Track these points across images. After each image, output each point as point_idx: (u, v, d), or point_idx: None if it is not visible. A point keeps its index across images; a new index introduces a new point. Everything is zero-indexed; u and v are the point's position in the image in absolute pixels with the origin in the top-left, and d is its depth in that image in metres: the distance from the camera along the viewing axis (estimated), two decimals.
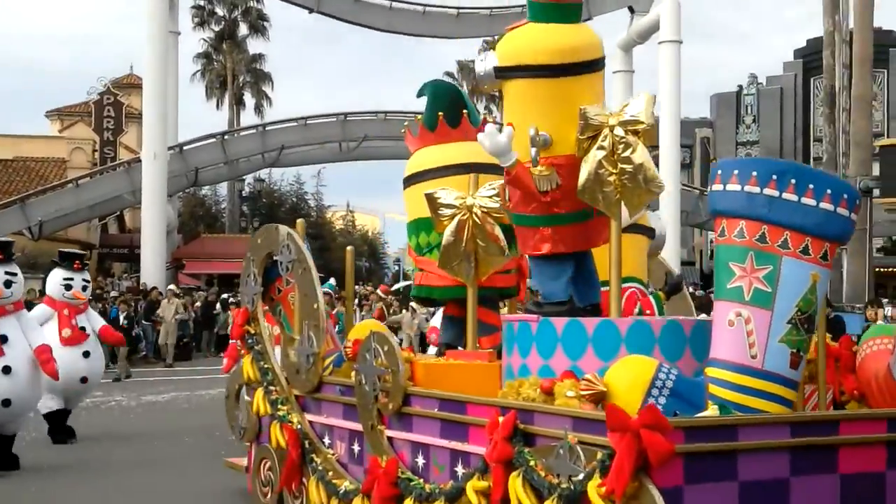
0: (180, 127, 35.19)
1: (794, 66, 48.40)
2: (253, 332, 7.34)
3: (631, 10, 38.54)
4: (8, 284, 10.64)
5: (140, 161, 32.31)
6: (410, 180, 7.16)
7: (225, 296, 28.49)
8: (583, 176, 5.41)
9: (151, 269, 31.06)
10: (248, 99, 52.59)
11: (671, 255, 33.81)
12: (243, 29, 51.33)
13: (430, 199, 6.40)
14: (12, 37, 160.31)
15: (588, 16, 41.83)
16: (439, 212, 6.37)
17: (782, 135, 47.06)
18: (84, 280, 12.92)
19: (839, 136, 26.26)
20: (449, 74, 63.69)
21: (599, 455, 4.24)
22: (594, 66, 5.85)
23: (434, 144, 7.22)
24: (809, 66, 45.62)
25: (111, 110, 42.97)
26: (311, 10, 35.58)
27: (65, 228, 35.30)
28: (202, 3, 50.38)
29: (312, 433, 6.77)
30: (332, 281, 18.73)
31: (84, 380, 12.49)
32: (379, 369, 5.81)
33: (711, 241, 38.06)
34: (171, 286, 29.79)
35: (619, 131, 5.36)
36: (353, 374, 6.20)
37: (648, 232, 7.81)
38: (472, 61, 61.38)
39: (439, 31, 38.97)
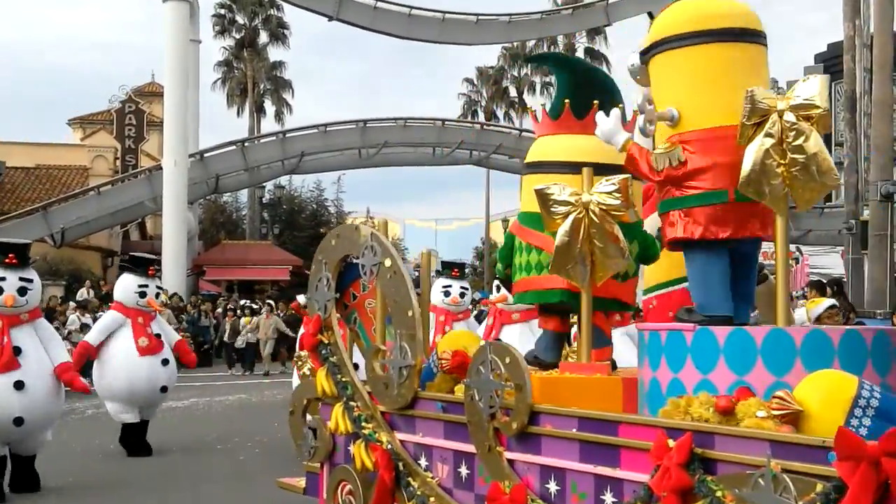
0: (201, 134, 35.42)
1: (814, 70, 48.13)
2: (327, 341, 6.62)
3: (650, 15, 38.48)
4: (23, 292, 9.70)
5: (161, 168, 32.52)
6: (527, 168, 6.43)
7: (244, 302, 28.61)
8: (746, 166, 4.82)
9: (172, 276, 31.22)
10: (269, 106, 52.83)
11: None
12: (263, 37, 51.57)
13: (542, 195, 5.67)
14: (35, 45, 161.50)
15: (607, 22, 41.89)
16: (551, 209, 5.64)
17: None
18: (158, 287, 12.49)
19: (860, 141, 26.13)
20: (468, 81, 63.82)
21: (820, 487, 3.62)
22: (739, 35, 5.18)
23: (555, 134, 6.39)
24: (830, 70, 45.34)
25: (133, 118, 43.26)
26: (330, 18, 35.69)
27: (87, 235, 35.54)
28: (223, 12, 50.66)
29: (406, 454, 6.02)
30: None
31: (164, 389, 12.13)
32: (496, 384, 5.22)
33: None
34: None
35: (789, 117, 4.83)
36: (460, 389, 5.54)
37: None
38: (492, 68, 61.55)
39: (458, 38, 39.00)
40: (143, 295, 11.98)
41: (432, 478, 5.81)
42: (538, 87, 59.77)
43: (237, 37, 51.17)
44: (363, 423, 6.18)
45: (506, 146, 38.09)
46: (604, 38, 55.52)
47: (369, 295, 6.68)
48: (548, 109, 6.43)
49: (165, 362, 12.04)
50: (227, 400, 18.75)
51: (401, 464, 5.96)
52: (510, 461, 5.22)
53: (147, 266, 12.34)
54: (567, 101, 6.28)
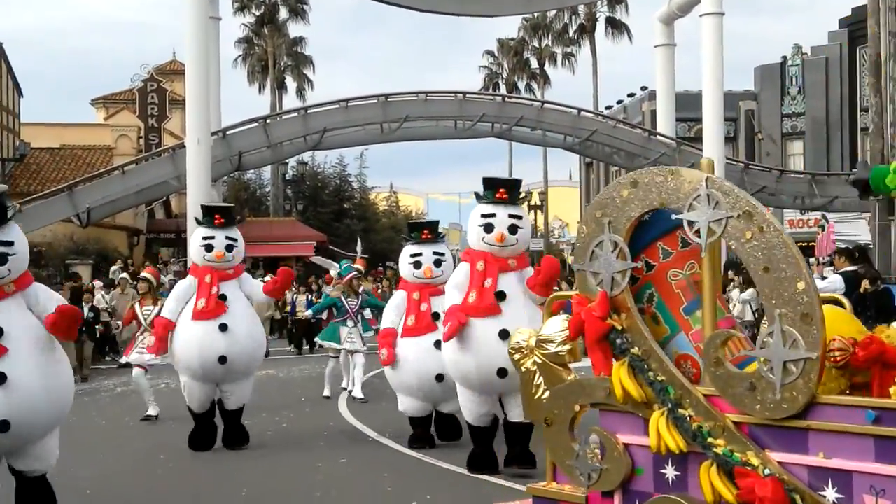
0: (223, 112, 35.42)
1: (839, 35, 47.62)
2: (622, 327, 4.93)
3: None
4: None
5: (184, 147, 32.58)
6: None
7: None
8: None
9: None
10: (290, 82, 52.84)
11: None
12: (283, 13, 51.46)
13: None
14: (58, 27, 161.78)
15: None
16: None
17: (828, 106, 46.40)
18: (229, 238, 10.98)
19: (886, 106, 25.88)
20: (489, 53, 63.58)
21: None
22: None
23: None
24: (855, 35, 44.90)
25: (155, 97, 43.41)
26: None
27: (112, 215, 35.73)
28: None
29: (799, 483, 4.36)
30: (359, 264, 17.72)
31: (223, 359, 10.60)
32: None
33: None
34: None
35: None
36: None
37: None
38: (513, 39, 61.16)
39: (478, 10, 38.78)
40: (209, 249, 10.84)
41: None
42: (559, 59, 59.44)
43: (257, 13, 51.09)
44: (708, 439, 4.59)
45: (527, 118, 37.88)
46: (625, 7, 55.10)
47: (675, 263, 5.10)
48: None
49: (224, 328, 10.61)
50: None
51: (798, 497, 4.33)
52: None
53: (213, 215, 11.19)
54: None
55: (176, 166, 33.81)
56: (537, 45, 60.73)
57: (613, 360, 4.92)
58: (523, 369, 5.38)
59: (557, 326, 5.31)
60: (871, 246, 23.27)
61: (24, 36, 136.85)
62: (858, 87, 45.08)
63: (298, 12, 51.28)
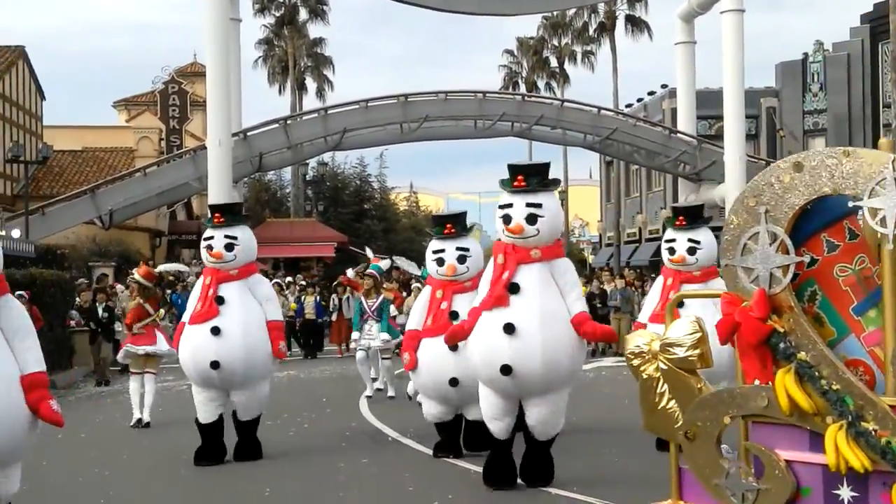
0: (244, 113, 35.58)
1: (861, 31, 47.33)
2: (785, 330, 4.42)
3: None
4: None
5: (205, 148, 32.71)
6: None
7: (288, 279, 28.64)
8: None
9: None
10: (310, 83, 52.89)
11: None
12: (303, 14, 51.54)
13: None
14: (79, 29, 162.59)
15: None
16: None
17: (850, 102, 46.14)
18: (229, 237, 10.32)
19: None
20: (509, 52, 63.49)
21: None
22: None
23: None
24: (877, 30, 44.59)
25: (176, 99, 43.65)
26: None
27: (134, 216, 35.92)
28: None
29: None
30: (384, 263, 18.03)
31: (215, 365, 10.02)
32: None
33: None
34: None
35: None
36: None
37: None
38: (532, 38, 61.05)
39: (498, 9, 38.77)
40: (209, 248, 10.32)
41: None
42: (579, 57, 59.28)
43: (277, 14, 51.19)
44: None
45: (547, 117, 37.83)
46: (645, 4, 54.88)
47: (842, 257, 4.54)
48: None
49: (216, 331, 10.05)
50: (275, 377, 18.88)
51: None
52: None
53: (213, 214, 10.68)
54: None
55: (197, 168, 33.95)
56: (557, 44, 60.57)
57: (774, 366, 4.42)
58: (644, 376, 4.91)
59: (686, 329, 4.84)
60: None
61: (45, 39, 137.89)
62: (881, 84, 44.78)
63: (318, 13, 51.35)
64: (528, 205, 8.49)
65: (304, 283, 28.31)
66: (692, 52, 39.99)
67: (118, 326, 18.73)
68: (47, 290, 19.06)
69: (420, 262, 20.15)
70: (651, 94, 51.64)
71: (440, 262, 10.10)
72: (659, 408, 4.85)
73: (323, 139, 36.39)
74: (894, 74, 27.17)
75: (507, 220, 8.60)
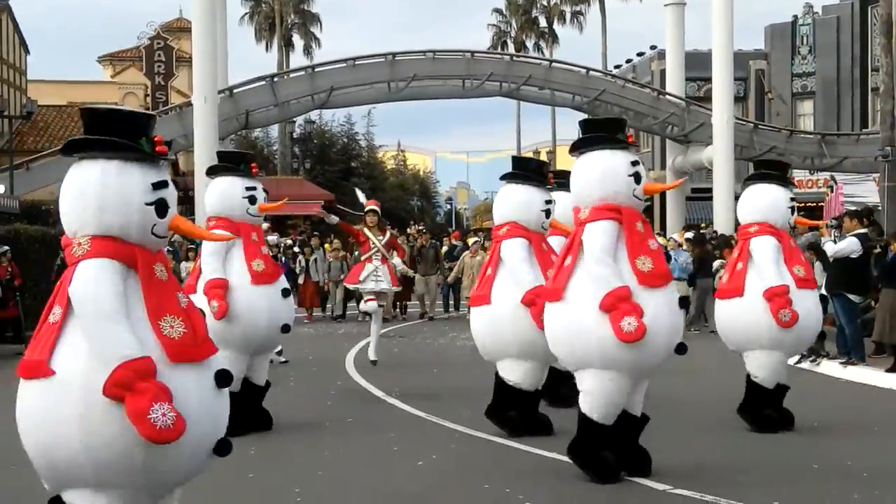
0: (230, 70, 35.33)
1: None
2: None
3: None
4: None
5: (191, 105, 32.49)
6: None
7: (280, 239, 28.55)
8: None
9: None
10: (297, 41, 52.54)
11: (725, 190, 33.48)
12: None
13: None
14: None
15: None
16: None
17: (839, 65, 46.09)
18: (266, 190, 9.61)
19: None
20: (497, 11, 63.11)
21: None
22: None
23: None
24: None
25: (162, 55, 43.30)
26: None
27: None
28: None
29: None
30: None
31: (286, 328, 9.48)
32: None
33: None
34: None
35: None
36: None
37: None
38: None
39: None
40: (252, 200, 9.24)
41: None
42: (568, 17, 58.99)
43: None
44: None
45: (536, 77, 37.64)
46: None
47: None
48: None
49: (286, 293, 9.44)
50: None
51: None
52: None
53: (249, 163, 9.52)
54: None
55: (183, 124, 33.73)
56: (546, 3, 60.26)
57: None
58: None
59: None
60: (880, 208, 23.17)
61: None
62: (870, 48, 44.71)
63: None
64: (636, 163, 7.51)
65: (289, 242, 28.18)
66: (682, 14, 39.82)
67: None
68: (32, 246, 18.98)
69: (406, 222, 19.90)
70: (640, 55, 51.46)
71: (547, 213, 9.08)
72: None
73: (310, 97, 36.17)
74: (883, 39, 27.12)
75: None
